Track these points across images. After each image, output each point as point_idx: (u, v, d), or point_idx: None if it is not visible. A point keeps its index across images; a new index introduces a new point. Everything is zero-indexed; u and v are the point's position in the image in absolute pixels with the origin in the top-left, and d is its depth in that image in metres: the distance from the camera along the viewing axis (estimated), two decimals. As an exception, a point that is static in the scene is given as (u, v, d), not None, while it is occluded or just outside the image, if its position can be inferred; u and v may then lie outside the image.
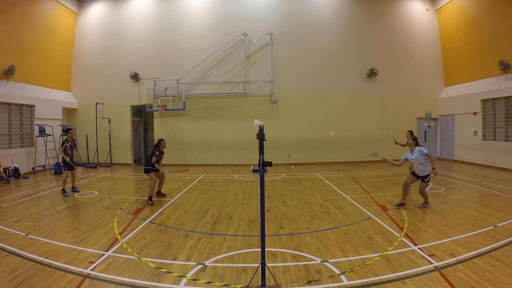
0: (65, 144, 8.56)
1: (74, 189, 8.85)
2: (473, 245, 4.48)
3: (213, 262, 4.15)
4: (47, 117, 13.43)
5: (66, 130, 8.81)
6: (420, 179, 6.49)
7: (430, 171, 6.31)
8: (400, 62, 15.43)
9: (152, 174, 7.43)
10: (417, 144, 6.51)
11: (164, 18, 15.08)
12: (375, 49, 15.15)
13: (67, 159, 8.45)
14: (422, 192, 6.55)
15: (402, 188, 6.63)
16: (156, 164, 7.55)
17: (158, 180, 7.83)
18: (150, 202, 7.26)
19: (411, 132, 9.12)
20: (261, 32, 14.51)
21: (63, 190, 8.48)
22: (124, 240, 4.98)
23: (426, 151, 6.26)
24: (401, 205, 6.61)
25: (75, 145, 8.90)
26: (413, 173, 6.57)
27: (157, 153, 7.50)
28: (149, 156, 7.60)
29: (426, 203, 6.61)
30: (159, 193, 8.20)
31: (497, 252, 4.20)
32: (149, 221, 6.00)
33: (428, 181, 6.27)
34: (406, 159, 6.55)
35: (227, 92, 14.61)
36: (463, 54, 14.33)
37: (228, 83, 14.67)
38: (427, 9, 15.77)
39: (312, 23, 14.87)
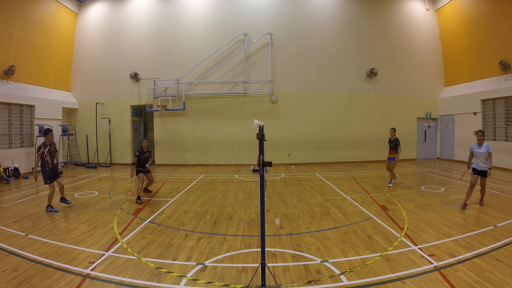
0: (42, 149, 6.62)
1: (64, 200, 7.16)
2: (473, 245, 4.48)
3: (213, 262, 4.15)
4: (47, 117, 13.42)
5: (44, 132, 6.72)
6: (480, 175, 6.60)
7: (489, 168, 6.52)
8: (400, 62, 15.42)
9: (140, 174, 7.72)
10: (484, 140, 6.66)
11: (164, 18, 15.08)
12: (375, 49, 15.14)
13: (35, 169, 6.60)
14: (483, 187, 6.72)
15: (468, 189, 6.66)
16: (133, 166, 7.64)
17: (146, 180, 8.17)
18: (138, 201, 7.43)
19: (394, 129, 9.30)
20: (261, 32, 14.51)
21: (49, 206, 6.70)
22: (124, 240, 4.98)
23: (491, 150, 6.48)
24: (465, 205, 6.60)
25: (55, 150, 6.93)
26: (474, 171, 6.65)
27: (137, 153, 7.70)
28: None
29: (482, 200, 6.80)
30: (145, 190, 8.45)
31: (497, 252, 4.20)
32: (149, 221, 6.00)
33: (488, 175, 6.52)
34: (471, 151, 6.70)
35: (227, 92, 14.61)
36: (463, 54, 14.33)
37: (228, 83, 14.67)
38: (427, 9, 15.77)
39: (312, 23, 14.87)
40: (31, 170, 12.49)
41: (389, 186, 9.03)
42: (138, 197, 7.51)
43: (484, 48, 13.04)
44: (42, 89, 13.59)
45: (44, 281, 3.57)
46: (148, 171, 8.08)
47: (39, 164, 6.77)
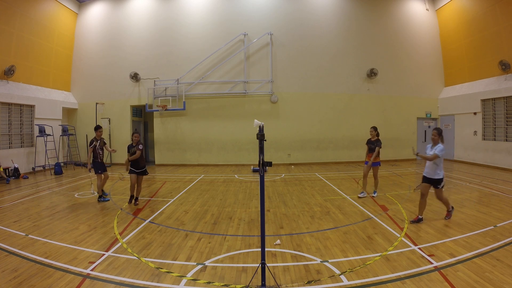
0: (94, 143, 7.67)
1: (103, 194, 7.79)
2: (473, 245, 4.48)
3: (213, 262, 4.15)
4: (47, 117, 13.42)
5: (95, 128, 7.93)
6: (432, 185, 5.54)
7: (443, 176, 5.48)
8: (400, 62, 15.42)
9: (132, 175, 7.18)
10: (441, 141, 5.49)
11: (164, 18, 15.08)
12: (375, 49, 15.14)
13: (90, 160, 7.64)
14: (441, 198, 5.66)
15: (420, 201, 5.67)
16: (127, 161, 7.09)
17: (135, 183, 7.27)
18: (130, 202, 7.25)
19: (375, 128, 7.84)
20: (261, 32, 14.51)
21: (101, 197, 7.67)
22: (124, 240, 4.97)
23: (440, 153, 5.34)
24: (418, 220, 5.60)
25: (105, 144, 7.92)
26: (424, 179, 5.66)
27: (128, 148, 7.19)
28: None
29: (449, 213, 5.77)
30: (135, 199, 7.36)
31: (497, 252, 4.20)
32: (149, 221, 6.00)
33: (443, 186, 5.49)
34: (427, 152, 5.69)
35: (227, 92, 14.61)
36: (463, 54, 14.33)
37: (228, 83, 14.67)
38: (427, 9, 15.77)
39: (312, 23, 14.87)
40: (31, 170, 12.51)
41: (373, 196, 7.73)
42: (131, 197, 7.28)
43: (484, 48, 13.04)
44: (42, 89, 13.58)
45: (44, 281, 3.57)
46: (143, 173, 7.32)
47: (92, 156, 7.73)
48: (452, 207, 5.84)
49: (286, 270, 3.88)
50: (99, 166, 7.69)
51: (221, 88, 14.72)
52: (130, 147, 7.21)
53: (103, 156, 7.83)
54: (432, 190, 5.68)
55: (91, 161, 7.62)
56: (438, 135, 5.47)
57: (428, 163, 5.54)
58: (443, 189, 5.60)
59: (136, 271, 3.88)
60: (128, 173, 7.21)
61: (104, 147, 7.84)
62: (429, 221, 5.71)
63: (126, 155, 7.25)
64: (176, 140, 14.91)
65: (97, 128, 7.84)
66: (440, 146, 5.41)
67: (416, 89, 15.58)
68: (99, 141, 7.71)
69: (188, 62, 14.60)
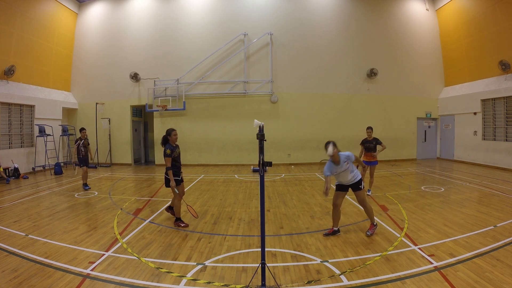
0: (78, 142, 9.32)
1: (85, 186, 9.29)
2: (473, 245, 4.48)
3: (213, 262, 4.15)
4: (47, 117, 13.42)
5: (80, 129, 9.66)
6: (351, 189, 5.02)
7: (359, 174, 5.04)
8: (400, 62, 15.42)
9: (179, 186, 5.65)
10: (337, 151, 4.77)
11: (164, 18, 15.08)
12: (375, 49, 15.14)
13: (75, 156, 9.31)
14: (363, 203, 5.00)
15: (332, 212, 5.08)
16: (169, 172, 5.38)
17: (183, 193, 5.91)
18: (182, 225, 5.61)
19: (371, 128, 7.82)
20: (261, 32, 14.51)
21: (84, 185, 9.30)
22: (124, 240, 4.98)
23: (353, 155, 4.85)
24: (333, 233, 5.08)
25: (88, 143, 9.49)
26: (340, 187, 5.07)
27: (168, 151, 5.40)
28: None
29: (373, 226, 5.05)
30: (169, 207, 6.23)
31: (497, 252, 4.19)
32: (149, 221, 6.00)
33: (363, 186, 5.04)
34: (330, 175, 4.84)
35: (227, 92, 14.61)
36: (463, 54, 14.33)
37: (228, 83, 14.67)
38: (427, 9, 15.77)
39: (312, 23, 14.87)
40: (31, 170, 12.51)
41: (368, 195, 7.75)
42: (177, 219, 5.70)
43: (484, 48, 13.04)
44: (42, 89, 13.58)
45: (44, 281, 3.57)
46: (182, 180, 5.80)
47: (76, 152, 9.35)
48: (376, 224, 5.10)
49: (286, 270, 3.88)
50: (80, 161, 9.25)
51: (221, 88, 14.71)
52: (173, 149, 5.50)
53: (85, 153, 9.31)
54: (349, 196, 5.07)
55: (75, 157, 9.33)
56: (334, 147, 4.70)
57: (344, 176, 4.91)
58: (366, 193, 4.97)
59: (136, 271, 3.88)
60: (177, 186, 5.55)
61: (88, 147, 9.41)
62: (429, 221, 5.71)
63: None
64: (176, 140, 14.88)
65: (81, 129, 9.52)
66: (344, 154, 4.78)
67: (416, 89, 15.57)
68: (83, 141, 9.30)
69: (188, 62, 14.60)
